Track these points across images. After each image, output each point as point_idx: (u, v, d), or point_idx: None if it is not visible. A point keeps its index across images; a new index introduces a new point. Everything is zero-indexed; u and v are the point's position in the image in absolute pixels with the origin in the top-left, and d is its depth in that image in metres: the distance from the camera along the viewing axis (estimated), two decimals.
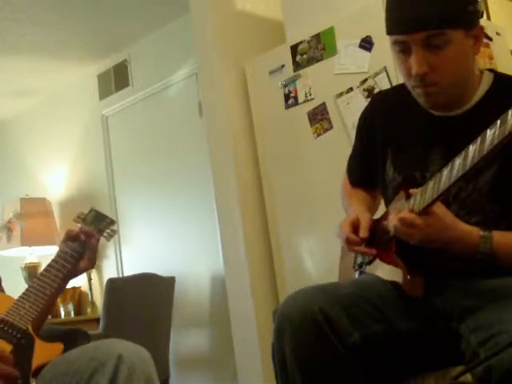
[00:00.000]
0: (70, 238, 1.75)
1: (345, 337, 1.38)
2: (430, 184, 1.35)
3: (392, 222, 1.40)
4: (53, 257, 1.73)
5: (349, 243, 1.56)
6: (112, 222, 1.85)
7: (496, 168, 1.42)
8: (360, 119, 1.77)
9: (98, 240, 1.79)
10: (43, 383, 1.47)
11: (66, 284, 1.74)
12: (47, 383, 1.47)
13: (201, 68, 3.44)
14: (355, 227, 1.56)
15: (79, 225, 1.79)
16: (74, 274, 1.74)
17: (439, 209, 1.36)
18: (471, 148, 1.24)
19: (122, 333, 3.29)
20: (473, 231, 1.37)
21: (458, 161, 1.28)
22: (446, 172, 1.31)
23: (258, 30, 3.42)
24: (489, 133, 1.20)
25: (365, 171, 1.76)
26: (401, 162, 1.58)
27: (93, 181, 4.82)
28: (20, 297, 1.63)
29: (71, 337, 1.63)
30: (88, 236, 1.75)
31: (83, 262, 1.74)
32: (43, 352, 1.53)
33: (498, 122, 1.19)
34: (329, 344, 1.37)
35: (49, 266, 1.71)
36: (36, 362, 1.50)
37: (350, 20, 2.87)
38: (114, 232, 1.85)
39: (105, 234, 1.82)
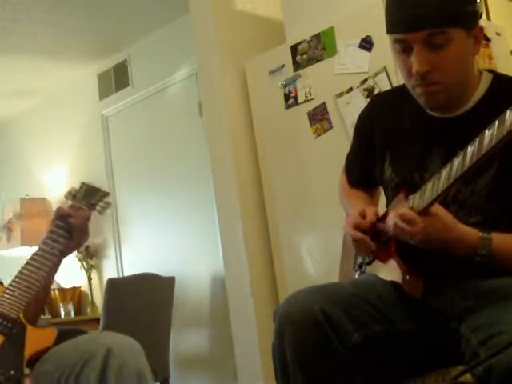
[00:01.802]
0: (59, 217, 1.71)
1: (345, 337, 1.38)
2: (429, 185, 1.35)
3: (391, 221, 1.40)
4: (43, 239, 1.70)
5: (357, 227, 1.54)
6: (105, 195, 1.81)
7: (495, 170, 1.42)
8: (359, 120, 1.77)
9: (89, 217, 1.74)
10: (36, 376, 1.47)
11: (59, 264, 1.70)
12: (40, 376, 1.47)
13: (201, 68, 3.44)
14: (363, 216, 1.56)
15: (70, 202, 1.76)
16: (66, 253, 1.70)
17: (439, 209, 1.36)
18: (470, 148, 1.25)
19: (122, 333, 3.29)
20: (472, 232, 1.37)
21: (456, 161, 1.28)
22: (444, 172, 1.31)
23: (258, 30, 3.42)
24: (487, 133, 1.21)
25: (363, 171, 1.76)
26: (399, 163, 1.58)
27: (93, 181, 4.75)
28: (9, 285, 1.61)
29: (71, 337, 1.62)
30: (76, 214, 1.70)
31: (72, 241, 1.69)
32: (36, 339, 1.52)
33: (496, 122, 1.19)
34: (329, 344, 1.37)
35: (39, 249, 1.67)
36: (30, 350, 1.49)
37: (350, 20, 2.87)
38: (109, 204, 1.80)
39: (98, 208, 1.78)
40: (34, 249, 5.00)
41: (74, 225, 1.69)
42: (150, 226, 4.45)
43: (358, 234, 1.54)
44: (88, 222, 1.73)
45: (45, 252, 1.66)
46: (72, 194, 1.78)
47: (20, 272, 1.63)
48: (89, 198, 1.78)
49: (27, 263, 1.65)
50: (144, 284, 3.65)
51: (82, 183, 1.82)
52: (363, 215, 1.55)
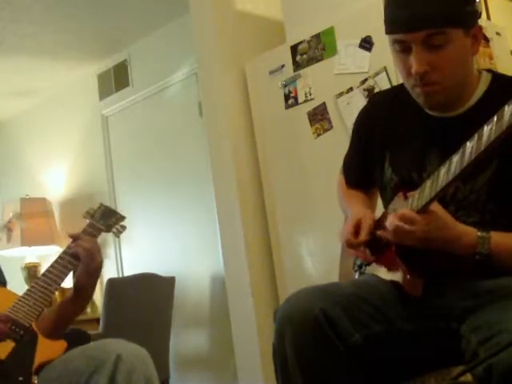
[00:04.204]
0: (74, 240, 1.73)
1: (346, 337, 1.38)
2: (428, 183, 1.35)
3: (391, 222, 1.40)
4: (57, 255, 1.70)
5: (348, 246, 1.56)
6: (121, 218, 1.82)
7: (494, 168, 1.42)
8: (357, 119, 1.77)
9: (96, 236, 1.73)
10: (43, 383, 1.47)
11: (90, 280, 1.68)
12: (47, 383, 1.47)
13: (201, 68, 3.44)
14: (357, 230, 1.56)
15: (88, 220, 1.76)
16: (80, 279, 1.68)
17: (438, 208, 1.36)
18: (468, 145, 1.25)
19: (122, 333, 3.29)
20: (471, 231, 1.37)
21: (455, 158, 1.28)
22: (443, 170, 1.31)
23: (258, 29, 3.42)
24: (486, 129, 1.21)
25: (362, 172, 1.76)
26: (399, 163, 1.58)
27: (93, 181, 4.81)
28: (24, 293, 1.61)
29: (71, 337, 1.62)
30: (84, 238, 1.69)
31: (82, 265, 1.67)
32: (46, 349, 1.53)
33: (495, 117, 1.19)
34: (330, 344, 1.37)
35: (55, 262, 1.68)
36: (39, 360, 1.50)
37: (350, 20, 2.87)
38: (124, 228, 1.82)
39: (114, 230, 1.80)
40: (34, 249, 4.97)
41: (80, 249, 1.67)
42: (150, 226, 4.45)
43: (352, 252, 1.56)
44: (94, 247, 1.69)
45: (61, 266, 1.66)
46: (90, 214, 1.79)
47: (35, 282, 1.64)
48: (106, 218, 1.79)
49: (43, 274, 1.66)
50: (144, 284, 3.65)
51: (101, 204, 1.83)
52: (357, 230, 1.56)
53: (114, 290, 3.50)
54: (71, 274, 1.69)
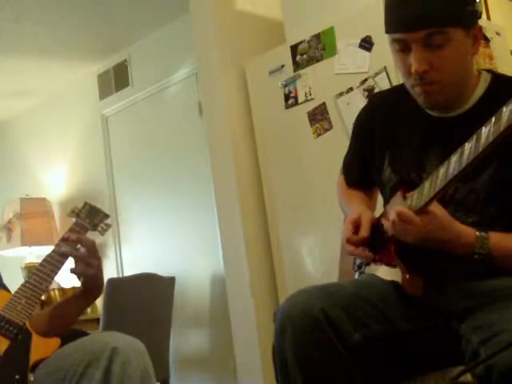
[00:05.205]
0: (64, 240, 1.72)
1: (346, 337, 1.38)
2: (427, 183, 1.35)
3: (389, 220, 1.40)
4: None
5: (349, 243, 1.56)
6: (105, 216, 1.83)
7: (493, 169, 1.42)
8: (357, 119, 1.77)
9: (83, 234, 1.73)
10: (39, 378, 1.48)
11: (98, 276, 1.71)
12: (43, 378, 1.48)
13: (201, 68, 3.44)
14: (356, 227, 1.56)
15: (73, 219, 1.78)
16: (86, 274, 1.69)
17: (437, 208, 1.36)
18: (467, 146, 1.25)
19: (122, 333, 3.29)
20: (470, 231, 1.37)
21: (453, 159, 1.28)
22: (442, 170, 1.31)
23: (258, 30, 3.42)
24: (484, 130, 1.21)
25: (362, 171, 1.76)
26: (398, 163, 1.58)
27: (93, 181, 4.81)
28: (16, 292, 1.63)
29: (71, 337, 1.63)
30: (78, 241, 1.69)
31: (83, 265, 1.67)
32: (41, 347, 1.55)
33: (493, 119, 1.19)
34: (330, 344, 1.37)
35: (44, 260, 1.69)
36: (34, 357, 1.52)
37: (350, 20, 2.87)
38: (108, 226, 1.83)
39: (99, 229, 1.81)
40: (34, 249, 4.96)
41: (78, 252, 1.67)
42: (150, 226, 4.45)
43: (351, 249, 1.54)
44: (85, 246, 1.68)
45: (50, 264, 1.67)
46: (75, 213, 1.80)
47: (27, 281, 1.65)
48: (92, 217, 1.80)
49: (34, 273, 1.67)
50: (144, 284, 3.65)
51: (85, 203, 1.84)
52: (357, 226, 1.55)
53: (114, 290, 3.50)
54: (68, 273, 1.69)
